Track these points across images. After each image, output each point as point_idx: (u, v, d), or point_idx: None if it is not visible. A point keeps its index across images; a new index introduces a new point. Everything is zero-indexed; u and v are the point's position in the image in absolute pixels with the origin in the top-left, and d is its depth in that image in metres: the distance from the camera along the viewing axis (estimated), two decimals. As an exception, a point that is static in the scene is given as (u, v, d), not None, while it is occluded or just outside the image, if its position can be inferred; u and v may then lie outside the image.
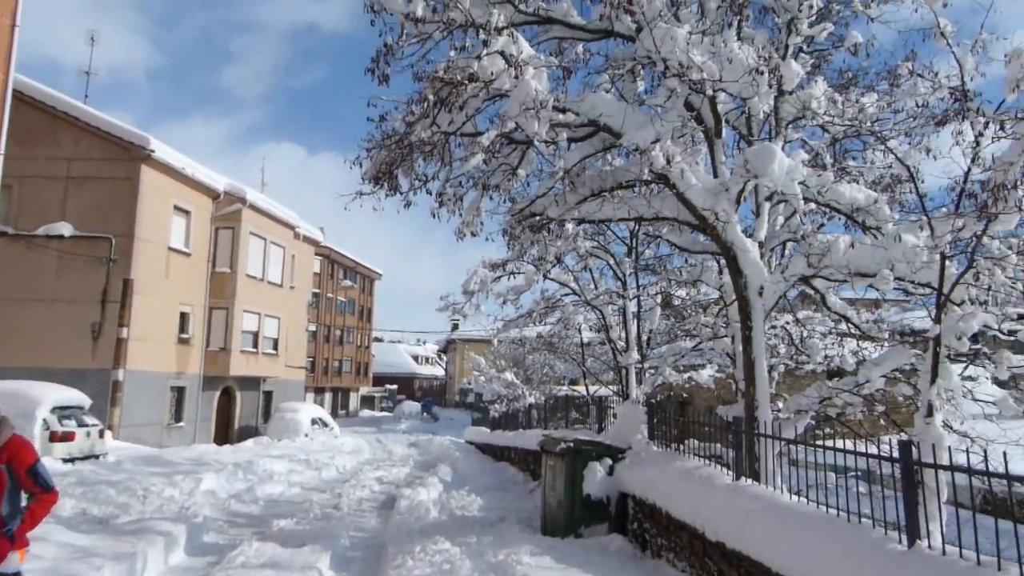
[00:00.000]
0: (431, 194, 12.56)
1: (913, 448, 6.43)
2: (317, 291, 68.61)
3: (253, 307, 37.80)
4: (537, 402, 32.45)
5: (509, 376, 34.87)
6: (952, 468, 5.77)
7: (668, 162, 10.48)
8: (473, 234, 12.83)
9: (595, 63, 13.06)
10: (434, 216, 12.83)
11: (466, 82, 10.35)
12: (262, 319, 38.81)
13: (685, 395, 33.19)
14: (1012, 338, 12.23)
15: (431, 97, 10.75)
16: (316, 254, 56.15)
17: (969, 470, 5.60)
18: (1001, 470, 5.17)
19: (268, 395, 42.08)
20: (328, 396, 76.38)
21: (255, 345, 38.26)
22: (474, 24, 10.11)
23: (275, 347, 40.78)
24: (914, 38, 11.40)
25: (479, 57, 10.16)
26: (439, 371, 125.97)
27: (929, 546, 5.77)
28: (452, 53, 10.65)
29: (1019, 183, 7.19)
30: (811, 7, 10.85)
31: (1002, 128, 7.53)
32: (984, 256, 10.22)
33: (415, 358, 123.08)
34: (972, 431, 11.71)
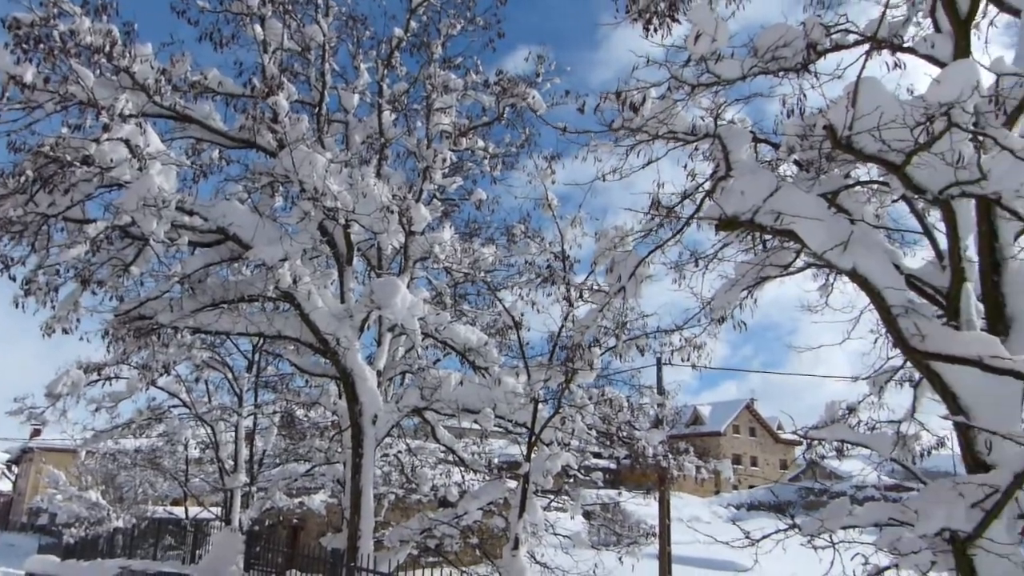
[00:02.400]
0: (14, 280, 10.78)
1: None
2: None
3: None
4: (126, 526, 28.60)
5: (94, 495, 30.38)
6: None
7: (295, 282, 10.33)
8: (66, 331, 11.22)
9: (233, 170, 12.67)
10: (18, 306, 10.99)
11: (78, 164, 9.30)
12: None
13: (297, 520, 31.81)
14: (588, 477, 13.80)
15: (30, 173, 9.43)
16: None
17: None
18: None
19: None
20: None
21: None
22: (96, 105, 9.22)
23: None
24: (528, 205, 13.27)
25: (97, 140, 9.24)
26: (6, 486, 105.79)
27: None
28: (65, 130, 9.55)
29: (592, 345, 8.31)
30: (444, 160, 11.81)
31: (581, 296, 8.74)
32: (569, 404, 11.56)
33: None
34: (552, 562, 12.75)
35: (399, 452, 15.15)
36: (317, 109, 12.28)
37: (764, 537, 7.26)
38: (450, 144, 12.03)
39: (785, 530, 7.43)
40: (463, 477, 14.87)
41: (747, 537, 7.23)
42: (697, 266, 8.55)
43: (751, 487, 51.45)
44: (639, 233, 7.90)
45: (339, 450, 14.02)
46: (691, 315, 9.16)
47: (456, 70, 12.88)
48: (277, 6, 11.49)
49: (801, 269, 8.23)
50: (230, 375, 19.34)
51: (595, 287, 8.25)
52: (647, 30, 7.27)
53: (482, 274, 12.56)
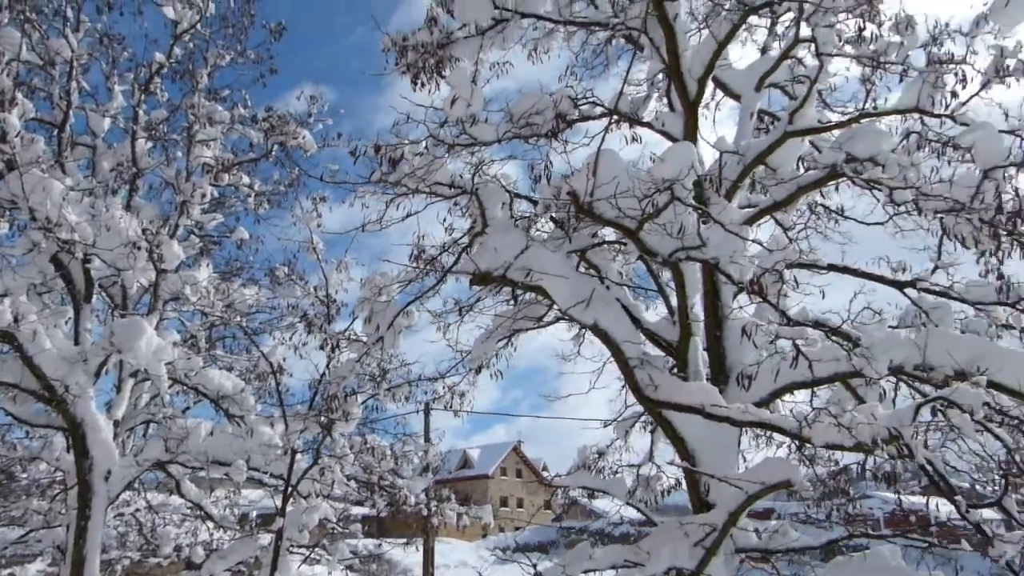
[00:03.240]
0: None
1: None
2: None
3: None
4: None
5: None
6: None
7: (17, 320, 9.21)
8: None
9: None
10: None
11: None
12: None
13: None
14: (347, 529, 13.41)
15: None
16: None
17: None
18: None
19: None
20: None
21: None
22: None
23: None
24: (293, 247, 12.97)
25: None
26: None
27: None
28: None
29: (351, 394, 8.18)
30: (204, 195, 11.19)
31: (338, 345, 8.60)
32: (329, 454, 11.21)
33: None
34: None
35: (137, 510, 13.79)
36: (59, 130, 11.14)
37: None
38: (211, 179, 11.41)
39: (531, 576, 7.66)
40: (211, 535, 13.82)
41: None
42: (460, 315, 8.75)
43: (517, 528, 52.74)
44: (402, 283, 7.94)
45: (63, 512, 12.48)
46: (452, 364, 9.32)
47: (223, 102, 12.31)
48: (16, 13, 10.37)
49: (553, 322, 8.68)
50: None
51: (353, 336, 8.18)
52: (415, 84, 7.45)
53: (239, 318, 11.94)
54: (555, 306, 7.73)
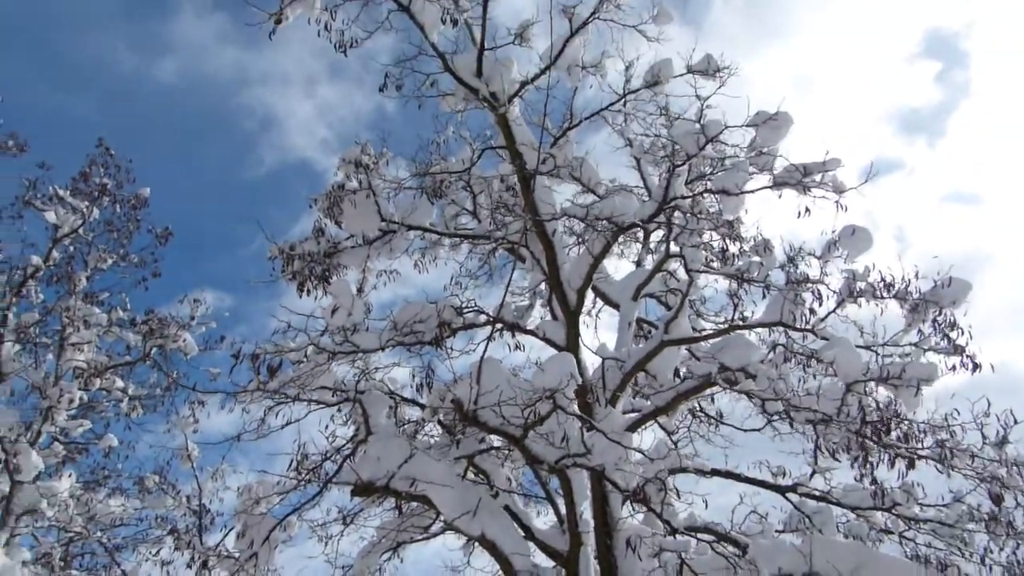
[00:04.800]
0: None
1: None
2: None
3: None
4: None
5: None
6: None
7: None
8: None
9: None
10: None
11: None
12: None
13: None
14: None
15: None
16: None
17: None
18: None
19: None
20: None
21: None
22: None
23: None
24: (166, 454, 12.26)
25: None
26: None
27: None
28: None
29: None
30: (72, 400, 10.56)
31: (207, 563, 7.92)
32: None
33: None
34: None
35: None
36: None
37: None
38: (81, 383, 10.82)
39: None
40: None
41: None
42: (344, 525, 8.28)
43: None
44: (282, 493, 7.52)
45: None
46: (336, 580, 8.70)
47: (101, 305, 11.95)
48: None
49: (440, 532, 8.32)
50: None
51: (224, 552, 7.56)
52: (300, 291, 7.51)
53: (100, 532, 10.92)
54: (441, 516, 7.46)
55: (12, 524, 10.89)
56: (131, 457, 12.13)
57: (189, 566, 9.06)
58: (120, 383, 11.57)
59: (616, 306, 9.05)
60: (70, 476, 11.20)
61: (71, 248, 11.97)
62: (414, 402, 7.83)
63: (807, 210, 7.50)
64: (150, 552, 11.19)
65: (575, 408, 6.34)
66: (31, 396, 11.79)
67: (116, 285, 12.51)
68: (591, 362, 8.07)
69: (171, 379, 11.14)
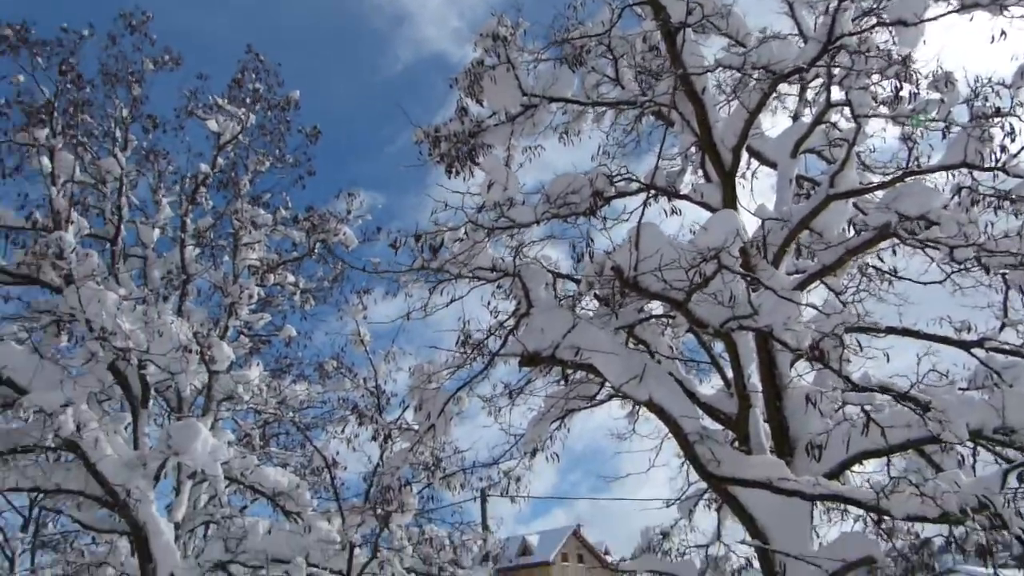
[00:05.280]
0: None
1: None
2: None
3: None
4: None
5: None
6: None
7: (79, 428, 9.37)
8: None
9: (11, 308, 11.55)
10: None
11: None
12: None
13: None
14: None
15: None
16: None
17: None
18: None
19: None
20: None
21: None
22: None
23: None
24: (341, 340, 13.19)
25: None
26: None
27: None
28: None
29: (406, 485, 8.05)
30: (251, 296, 11.42)
31: (390, 435, 8.54)
32: (387, 546, 11.02)
33: None
34: None
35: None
36: (112, 243, 11.59)
37: None
38: (257, 279, 11.68)
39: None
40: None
41: None
42: (510, 398, 8.61)
43: (584, 616, 50.70)
44: (450, 369, 7.87)
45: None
46: (507, 449, 9.15)
47: (265, 206, 12.72)
48: (69, 139, 10.93)
49: (606, 400, 8.50)
50: (0, 537, 16.92)
51: (405, 426, 8.11)
52: (449, 173, 7.56)
53: (292, 414, 12.00)
54: (607, 383, 7.57)
55: (215, 409, 12.17)
56: (309, 346, 13.16)
57: (374, 439, 9.87)
58: (291, 278, 12.43)
59: (773, 165, 8.56)
60: (258, 365, 12.27)
61: (232, 154, 12.71)
62: (570, 277, 7.87)
63: (1002, 33, 6.65)
64: (336, 430, 12.24)
65: (740, 268, 6.11)
66: (215, 295, 12.95)
67: (276, 186, 13.27)
68: (750, 224, 7.75)
69: (337, 270, 11.82)
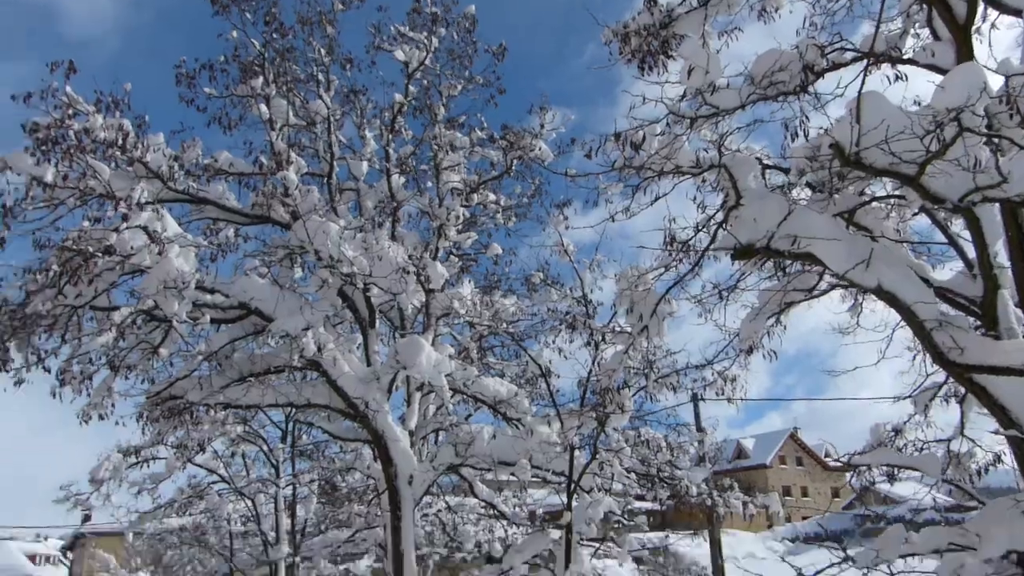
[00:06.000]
0: (49, 372, 10.91)
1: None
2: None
3: None
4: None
5: (144, 577, 30.35)
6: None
7: (320, 349, 10.33)
8: (102, 416, 11.28)
9: (250, 246, 12.83)
10: (55, 396, 11.10)
11: (100, 255, 9.45)
12: None
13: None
14: (632, 522, 13.45)
15: (56, 267, 9.60)
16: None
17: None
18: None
19: None
20: None
21: None
22: (114, 196, 9.40)
23: None
24: (545, 253, 13.49)
25: (117, 229, 9.40)
26: (62, 572, 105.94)
27: None
28: (86, 223, 9.73)
29: (622, 387, 8.16)
30: (457, 217, 11.86)
31: (603, 339, 8.63)
32: (605, 448, 11.34)
33: (32, 558, 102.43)
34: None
35: (439, 511, 14.94)
36: (327, 179, 12.46)
37: (818, 573, 6.98)
38: (461, 200, 12.11)
39: (840, 563, 7.13)
40: (506, 531, 14.58)
41: (800, 574, 6.96)
42: (720, 298, 8.39)
43: (805, 518, 49.97)
44: (657, 270, 7.77)
45: (378, 514, 13.89)
46: (720, 348, 9.00)
47: (461, 128, 13.03)
48: (280, 86, 11.73)
49: (826, 291, 8.05)
50: (265, 447, 19.35)
51: (618, 329, 8.16)
52: (642, 69, 7.27)
53: (505, 325, 12.50)
54: (827, 273, 7.15)
55: (434, 326, 12.94)
56: (514, 261, 13.56)
57: (586, 344, 10.07)
58: (492, 196, 12.78)
59: (1017, 12, 7.42)
60: (469, 283, 12.84)
61: (424, 81, 13.08)
62: (778, 167, 7.41)
63: None
64: (548, 339, 12.65)
65: (985, 129, 5.42)
66: (423, 219, 13.61)
67: (470, 108, 13.54)
68: (993, 82, 6.83)
69: (536, 185, 11.98)
